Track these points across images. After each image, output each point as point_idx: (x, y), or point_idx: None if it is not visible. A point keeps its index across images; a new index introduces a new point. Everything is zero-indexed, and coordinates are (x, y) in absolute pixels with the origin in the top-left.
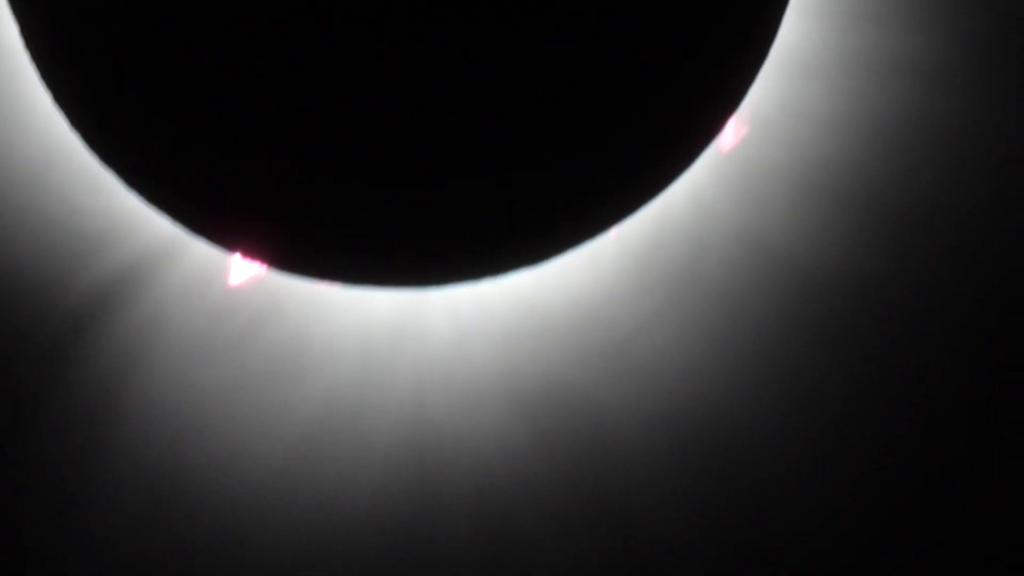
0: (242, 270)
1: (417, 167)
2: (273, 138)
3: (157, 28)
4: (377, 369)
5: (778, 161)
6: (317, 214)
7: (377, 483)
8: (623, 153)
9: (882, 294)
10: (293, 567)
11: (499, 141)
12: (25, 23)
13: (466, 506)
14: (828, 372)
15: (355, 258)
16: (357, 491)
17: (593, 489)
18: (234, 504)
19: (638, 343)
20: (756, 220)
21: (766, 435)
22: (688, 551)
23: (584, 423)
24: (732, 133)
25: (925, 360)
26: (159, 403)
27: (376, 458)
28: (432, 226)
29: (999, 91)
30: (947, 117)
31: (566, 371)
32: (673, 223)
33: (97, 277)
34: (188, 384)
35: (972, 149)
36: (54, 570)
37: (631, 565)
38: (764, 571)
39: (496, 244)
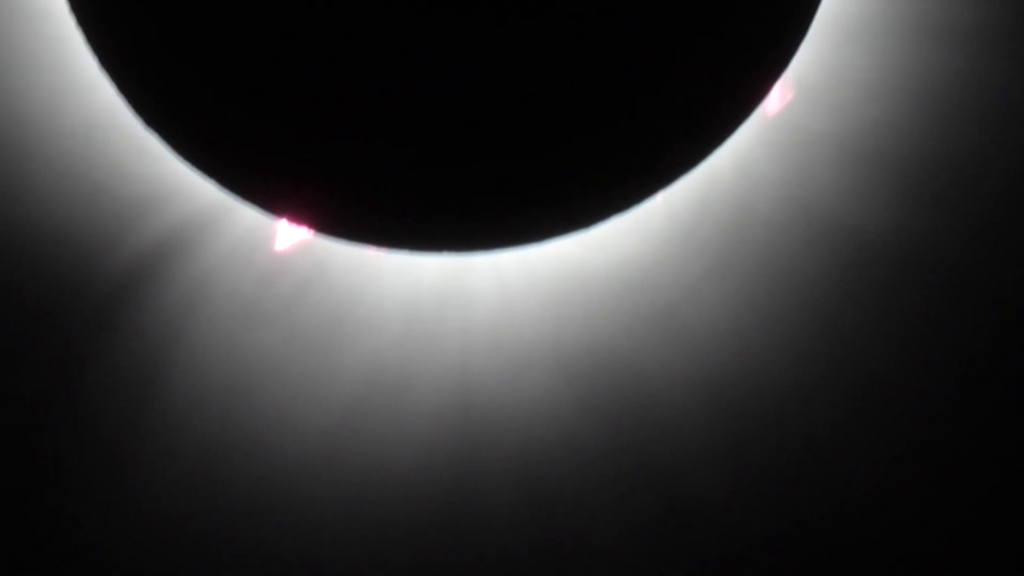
0: (288, 235)
1: (464, 131)
2: (319, 100)
3: None
4: (423, 334)
5: (824, 126)
6: (363, 178)
7: (423, 448)
8: (668, 117)
9: (929, 258)
10: (338, 532)
11: (545, 104)
12: None
13: (512, 471)
14: (875, 336)
15: (401, 222)
16: (403, 455)
17: (639, 454)
18: (279, 469)
19: (684, 308)
20: (802, 185)
21: (812, 400)
22: (733, 516)
23: (630, 388)
24: (778, 98)
25: (972, 323)
26: (205, 367)
27: (422, 423)
28: (478, 190)
29: None
30: (994, 80)
31: (612, 336)
32: (719, 188)
33: (143, 242)
34: (234, 349)
35: (1021, 112)
36: (99, 534)
37: (676, 530)
38: (809, 536)
39: (542, 208)
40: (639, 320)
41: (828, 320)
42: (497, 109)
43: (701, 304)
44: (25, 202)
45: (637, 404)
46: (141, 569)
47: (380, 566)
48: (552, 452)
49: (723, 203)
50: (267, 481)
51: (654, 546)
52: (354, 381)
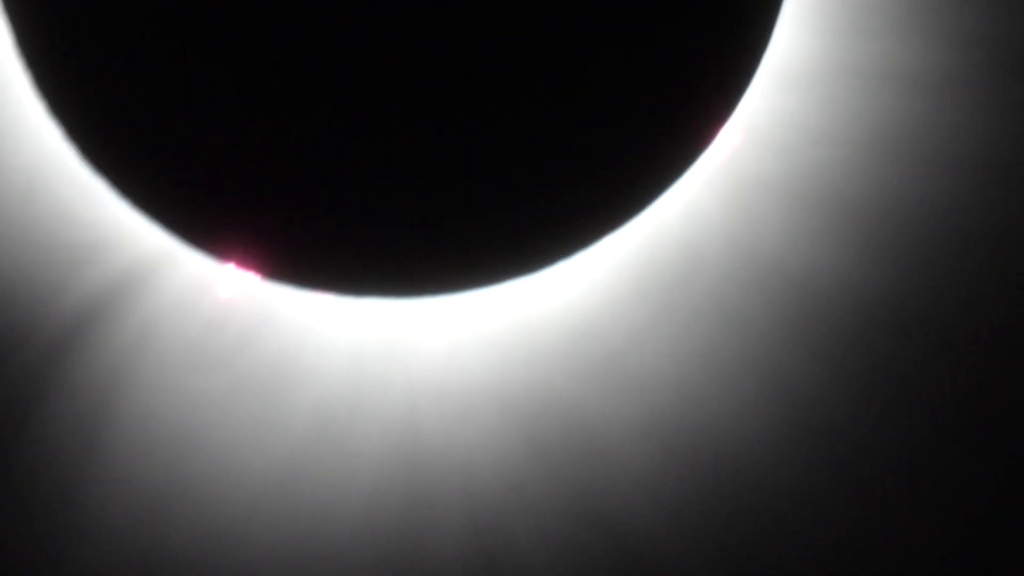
0: (234, 281)
1: (411, 179)
2: (265, 146)
3: (152, 36)
4: (369, 380)
5: (772, 171)
6: (311, 223)
7: (370, 494)
8: (613, 162)
9: (876, 305)
10: None
11: (491, 149)
12: (18, 31)
13: (459, 517)
14: (822, 383)
15: (348, 268)
16: (350, 502)
17: (586, 500)
18: (226, 515)
19: (631, 354)
20: (750, 231)
21: (759, 446)
22: (682, 562)
23: (577, 434)
24: (725, 143)
25: (920, 368)
26: (151, 414)
27: (369, 469)
28: (423, 236)
29: (994, 97)
30: (942, 125)
31: (559, 382)
32: (666, 234)
33: (88, 288)
34: (180, 395)
35: (969, 156)
36: None
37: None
38: None
39: (488, 254)
40: (585, 365)
41: (775, 366)
42: (444, 156)
43: (648, 350)
44: None
45: (584, 448)
46: None
47: None
48: (499, 496)
49: (670, 250)
50: (214, 526)
51: None
52: (301, 427)
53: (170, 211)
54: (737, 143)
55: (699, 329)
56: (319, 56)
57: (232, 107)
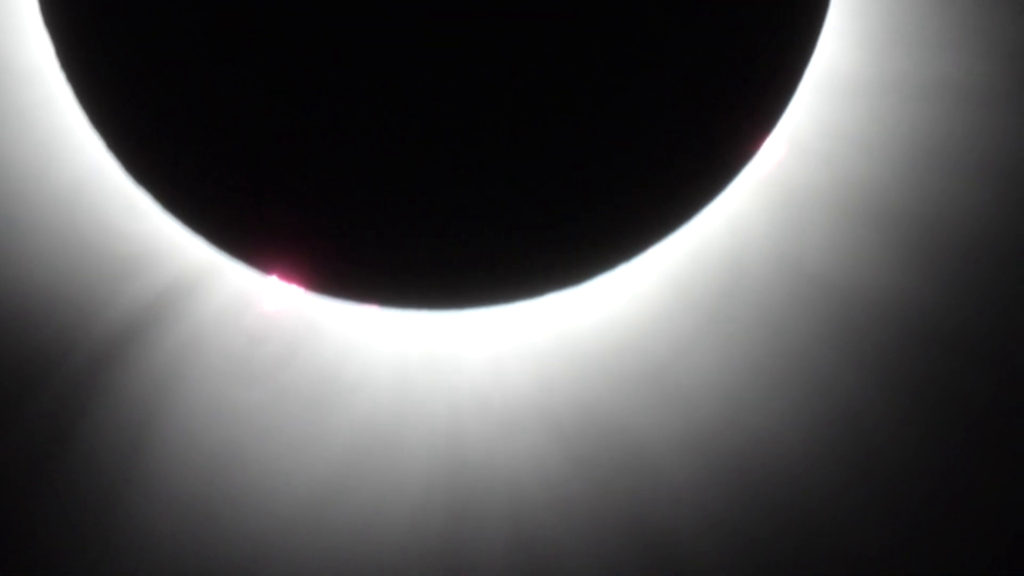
0: (279, 294)
1: (453, 190)
2: (310, 159)
3: (194, 48)
4: (413, 394)
5: (816, 183)
6: (354, 235)
7: (413, 508)
8: (658, 173)
9: (920, 317)
10: None
11: (535, 162)
12: (61, 45)
13: (503, 531)
14: (867, 395)
15: (392, 279)
16: (393, 516)
17: (631, 514)
18: (269, 529)
19: (675, 367)
20: (794, 242)
21: (804, 459)
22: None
23: (621, 447)
24: (770, 155)
25: (966, 383)
26: (195, 426)
27: (412, 483)
28: (468, 247)
29: None
30: (988, 137)
31: (602, 395)
32: (711, 245)
33: (132, 301)
34: (224, 408)
35: (1014, 168)
36: None
37: None
38: None
39: (533, 265)
40: (629, 379)
41: (820, 378)
42: (487, 166)
43: (692, 362)
44: (13, 261)
45: (627, 462)
46: None
47: None
48: (543, 511)
49: (714, 261)
50: (257, 540)
51: None
52: (344, 441)
53: (213, 223)
54: (781, 155)
55: (743, 341)
56: (367, 70)
57: (276, 119)
